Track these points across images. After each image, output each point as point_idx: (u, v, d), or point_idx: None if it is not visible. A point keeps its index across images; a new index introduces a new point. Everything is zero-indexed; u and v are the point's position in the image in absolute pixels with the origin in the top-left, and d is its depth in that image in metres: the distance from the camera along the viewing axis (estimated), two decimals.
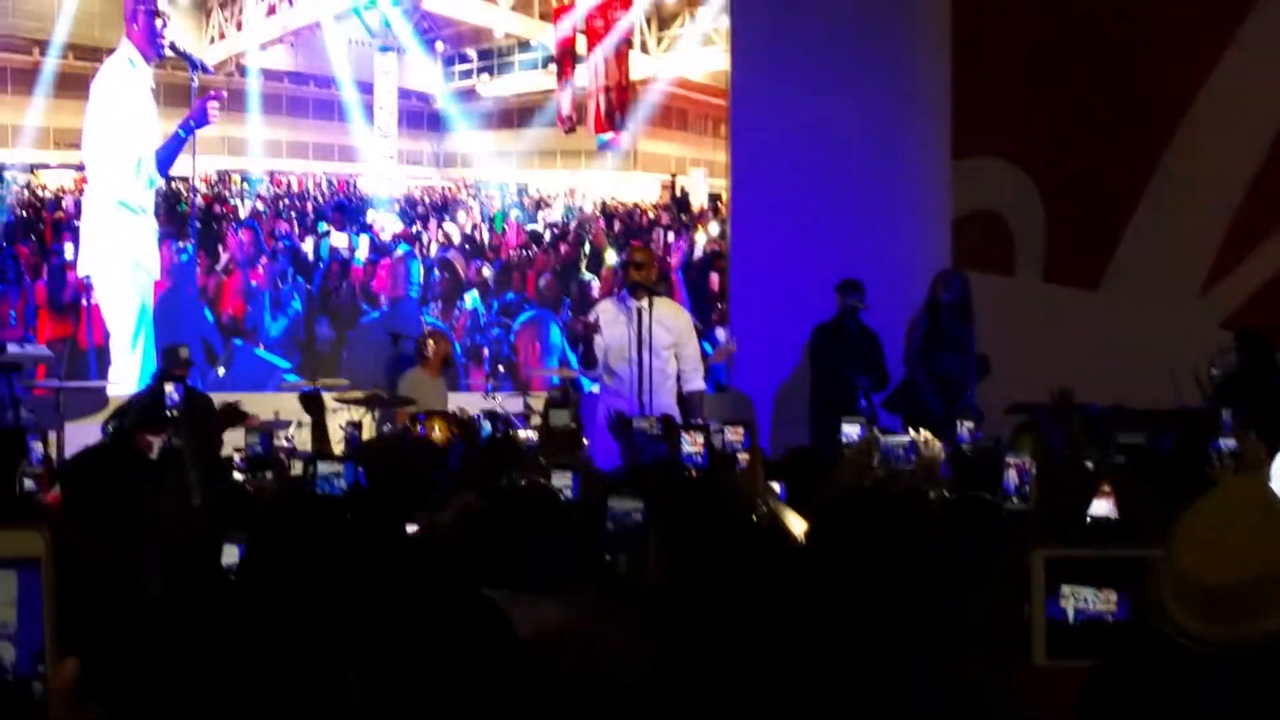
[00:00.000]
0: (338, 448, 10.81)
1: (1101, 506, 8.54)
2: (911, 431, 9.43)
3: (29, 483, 7.76)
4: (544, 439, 9.75)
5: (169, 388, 10.76)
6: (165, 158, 14.52)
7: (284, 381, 14.26)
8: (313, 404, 9.14)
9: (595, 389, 12.89)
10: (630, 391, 11.47)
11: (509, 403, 13.28)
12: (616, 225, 16.22)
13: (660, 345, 11.65)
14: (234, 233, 15.11)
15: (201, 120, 14.58)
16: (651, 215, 16.33)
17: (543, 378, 14.69)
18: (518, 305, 15.72)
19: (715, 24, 16.33)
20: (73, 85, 14.48)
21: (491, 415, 11.70)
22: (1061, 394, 12.55)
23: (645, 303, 11.51)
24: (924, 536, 5.80)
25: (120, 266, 14.27)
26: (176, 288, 14.63)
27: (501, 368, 15.19)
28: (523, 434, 10.51)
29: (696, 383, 12.02)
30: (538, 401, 13.16)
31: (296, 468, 9.82)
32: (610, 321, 11.80)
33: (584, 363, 12.21)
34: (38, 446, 8.46)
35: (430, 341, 13.49)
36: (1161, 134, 16.32)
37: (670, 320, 11.88)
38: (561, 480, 7.70)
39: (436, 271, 15.59)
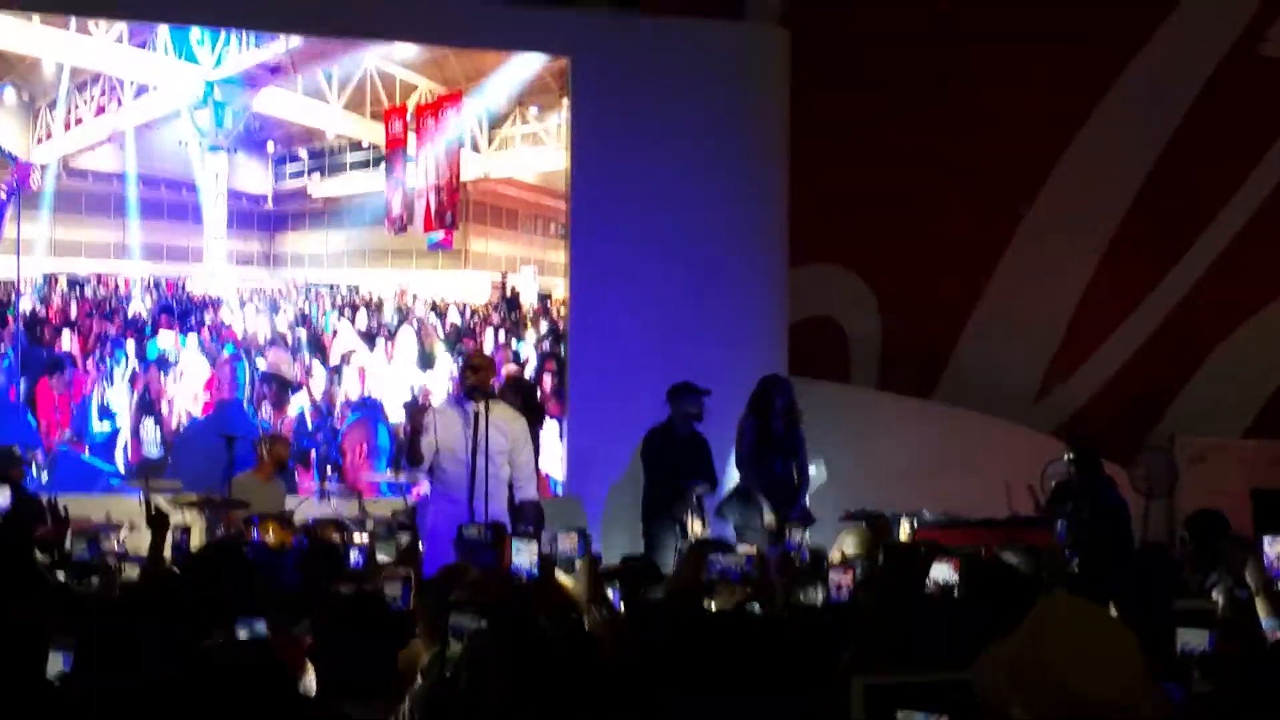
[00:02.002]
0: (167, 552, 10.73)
1: (942, 571, 8.67)
2: (743, 545, 9.52)
3: None
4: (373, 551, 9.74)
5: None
6: None
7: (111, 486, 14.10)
8: (158, 524, 8.99)
9: (421, 488, 12.87)
10: (463, 495, 11.43)
11: (342, 506, 13.23)
12: (447, 324, 16.21)
13: (495, 450, 11.63)
14: (59, 336, 14.94)
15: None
16: (482, 314, 16.33)
17: (372, 482, 14.59)
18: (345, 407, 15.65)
19: (545, 124, 16.43)
20: None
21: (333, 523, 11.67)
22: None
23: (482, 406, 11.51)
24: (745, 652, 5.87)
25: None
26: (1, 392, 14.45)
27: (330, 469, 15.12)
28: (357, 538, 10.49)
29: (530, 491, 11.97)
30: (372, 506, 13.12)
31: (127, 571, 9.73)
32: (446, 424, 11.77)
33: (409, 460, 12.14)
34: None
35: (266, 445, 13.40)
36: (996, 243, 16.60)
37: (506, 425, 11.85)
38: (392, 590, 7.71)
39: (262, 386, 15.45)
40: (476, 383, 11.70)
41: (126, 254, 15.49)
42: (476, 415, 11.47)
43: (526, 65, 16.19)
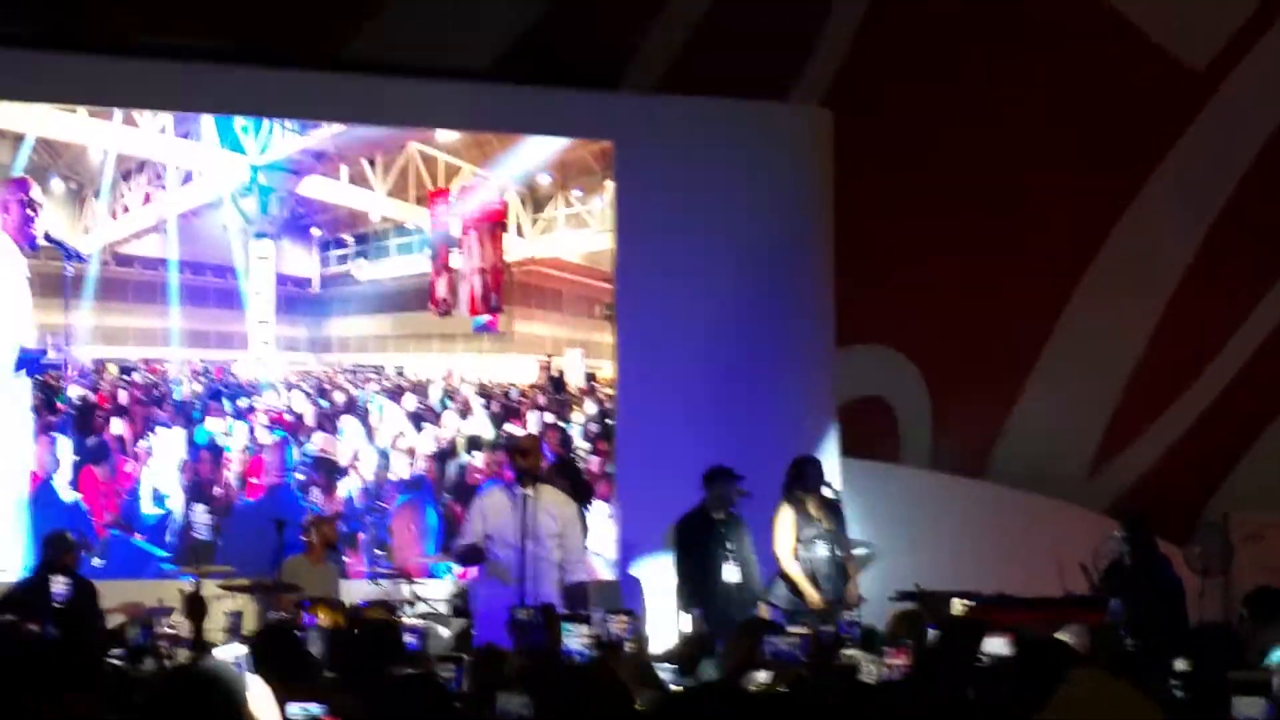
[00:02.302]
0: (219, 635, 10.72)
1: (996, 644, 8.63)
2: (794, 626, 9.47)
3: None
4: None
5: (57, 581, 10.70)
6: None
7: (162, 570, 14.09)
8: (195, 607, 8.97)
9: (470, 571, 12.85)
10: (513, 578, 11.41)
11: (394, 590, 13.21)
12: (494, 406, 16.20)
13: (545, 533, 11.62)
14: (108, 423, 14.97)
15: None
16: (529, 396, 16.33)
17: (421, 563, 14.51)
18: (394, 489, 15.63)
19: (589, 206, 16.46)
20: None
21: (383, 605, 11.67)
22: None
23: (531, 490, 11.51)
24: None
25: None
26: (50, 478, 14.46)
27: (379, 551, 15.09)
28: (407, 619, 10.49)
29: (579, 573, 11.96)
30: (421, 588, 13.12)
31: (180, 656, 9.72)
32: (495, 508, 11.76)
33: (463, 560, 12.15)
34: None
35: (314, 528, 13.38)
36: (1045, 321, 16.52)
37: (556, 509, 11.85)
38: (446, 672, 7.71)
39: (310, 470, 15.45)
40: (525, 467, 11.69)
41: (173, 340, 15.54)
42: (526, 499, 11.47)
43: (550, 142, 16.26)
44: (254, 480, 15.23)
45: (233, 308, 15.73)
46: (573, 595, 11.75)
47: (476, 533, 11.88)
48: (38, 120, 14.87)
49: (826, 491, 13.48)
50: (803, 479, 13.43)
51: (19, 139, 14.83)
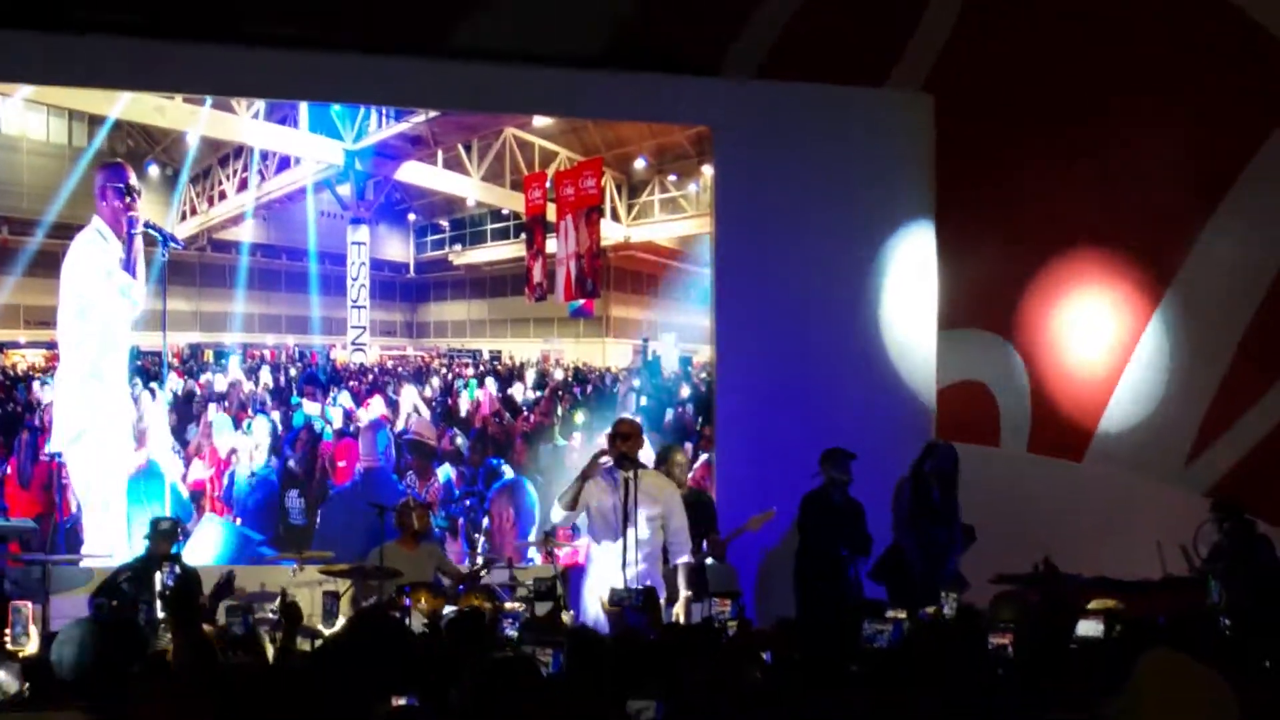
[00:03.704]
0: (315, 620, 10.76)
1: (1089, 626, 8.61)
2: (892, 611, 9.45)
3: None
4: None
5: (164, 568, 10.76)
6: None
7: (263, 556, 14.14)
8: (292, 615, 9.03)
9: (576, 549, 12.84)
10: (615, 562, 11.39)
11: (494, 575, 13.20)
12: (589, 390, 16.20)
13: (646, 516, 11.59)
14: (205, 407, 15.05)
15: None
16: (623, 379, 16.31)
17: (521, 551, 14.48)
18: (491, 473, 15.63)
19: (684, 191, 16.42)
20: (43, 264, 14.45)
21: (483, 590, 11.70)
22: (1045, 564, 12.61)
23: (632, 474, 11.49)
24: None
25: (92, 441, 14.17)
26: (152, 461, 14.53)
27: (479, 536, 15.10)
28: (509, 606, 10.47)
29: (684, 556, 11.92)
30: (521, 573, 13.09)
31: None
32: (598, 491, 11.74)
33: (560, 500, 12.07)
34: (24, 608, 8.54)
35: (409, 513, 13.36)
36: (1146, 305, 16.36)
37: (657, 491, 11.82)
38: (544, 656, 7.71)
39: (406, 454, 15.48)
40: (626, 450, 11.66)
41: (270, 325, 15.60)
42: (626, 482, 11.44)
43: None
44: (341, 464, 15.24)
45: (329, 293, 15.78)
46: (679, 578, 11.71)
47: (579, 495, 11.81)
48: (136, 107, 14.93)
49: (941, 478, 13.44)
50: (921, 462, 13.42)
51: (115, 125, 14.92)
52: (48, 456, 14.20)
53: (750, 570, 14.42)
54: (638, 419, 14.27)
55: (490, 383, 16.13)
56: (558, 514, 11.98)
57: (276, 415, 15.27)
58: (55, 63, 14.02)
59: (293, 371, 15.58)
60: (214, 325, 15.43)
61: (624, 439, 11.81)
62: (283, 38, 14.49)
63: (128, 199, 14.40)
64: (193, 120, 15.25)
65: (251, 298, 15.56)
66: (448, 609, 11.10)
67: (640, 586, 10.80)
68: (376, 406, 15.44)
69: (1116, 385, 16.56)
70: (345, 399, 15.54)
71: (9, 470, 14.15)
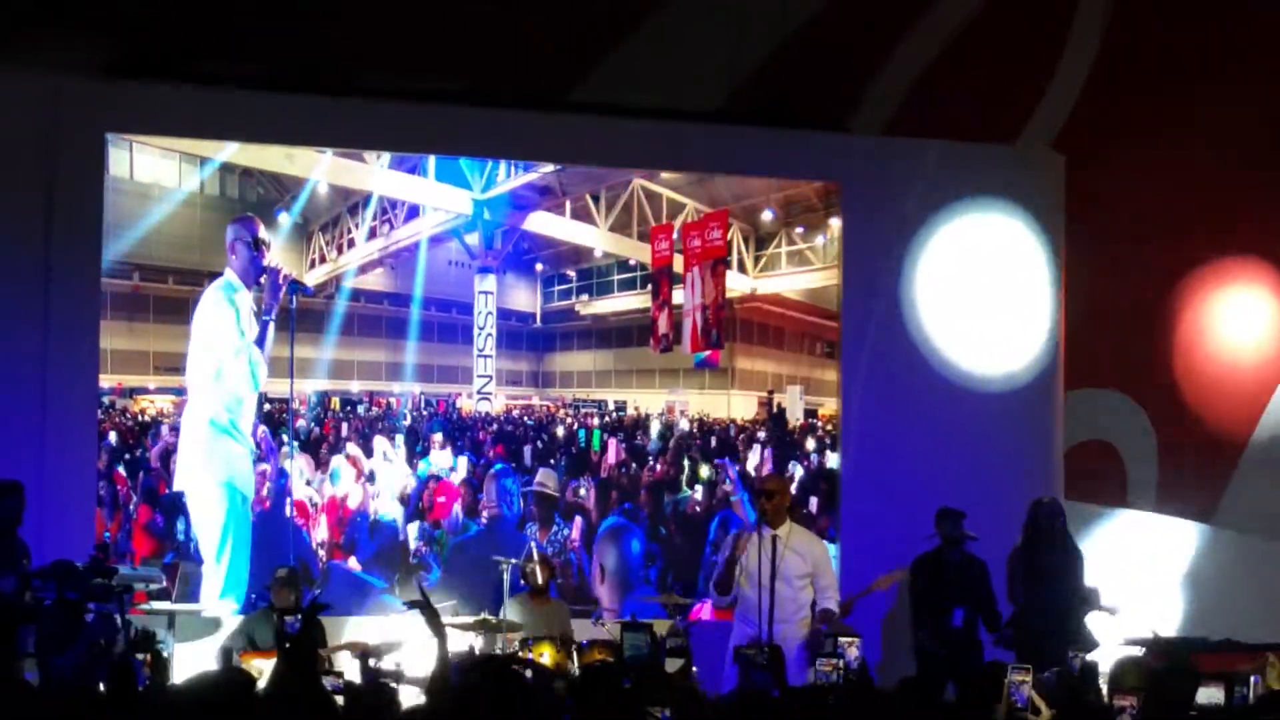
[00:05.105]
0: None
1: (1210, 694, 8.53)
2: (1019, 673, 9.37)
3: None
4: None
5: (288, 619, 10.80)
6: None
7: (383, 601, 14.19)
8: (430, 617, 8.87)
9: (701, 612, 12.85)
10: (760, 619, 11.35)
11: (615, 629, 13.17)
12: (713, 442, 16.17)
13: (794, 574, 11.58)
14: (333, 454, 15.13)
15: (274, 295, 14.52)
16: (749, 431, 16.28)
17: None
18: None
19: (811, 243, 16.39)
20: (173, 310, 14.60)
21: (605, 644, 11.68)
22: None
23: (782, 531, 11.49)
24: None
25: (212, 486, 14.27)
26: (274, 508, 14.62)
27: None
28: None
29: (830, 604, 11.85)
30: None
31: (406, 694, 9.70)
32: (748, 548, 11.72)
33: (717, 587, 12.06)
34: (146, 672, 8.56)
35: (536, 566, 13.35)
36: (1273, 363, 16.15)
37: (806, 549, 11.80)
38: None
39: (529, 504, 15.45)
40: (771, 508, 11.66)
41: (398, 374, 15.68)
42: (775, 540, 11.42)
43: None
44: (440, 500, 15.23)
45: (456, 341, 15.85)
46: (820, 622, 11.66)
47: (739, 570, 11.85)
48: (266, 154, 15.06)
49: (1047, 537, 13.32)
50: (1036, 520, 13.32)
51: (245, 172, 15.07)
52: (169, 498, 14.32)
53: (874, 628, 14.33)
54: (787, 477, 14.27)
55: (614, 434, 16.13)
56: (716, 599, 12.03)
57: (402, 464, 15.31)
58: (184, 114, 14.22)
59: (419, 419, 15.63)
60: (341, 372, 15.53)
61: (769, 496, 11.79)
62: (403, 90, 14.61)
63: (256, 251, 14.50)
64: (323, 168, 15.35)
65: (379, 345, 15.65)
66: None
67: (767, 644, 10.77)
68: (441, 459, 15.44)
69: (1246, 445, 16.37)
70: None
71: (137, 516, 14.28)
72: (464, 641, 11.90)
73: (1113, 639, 12.75)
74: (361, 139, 15.01)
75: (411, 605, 9.12)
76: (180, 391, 14.49)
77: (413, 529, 14.99)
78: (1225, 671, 9.72)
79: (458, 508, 15.23)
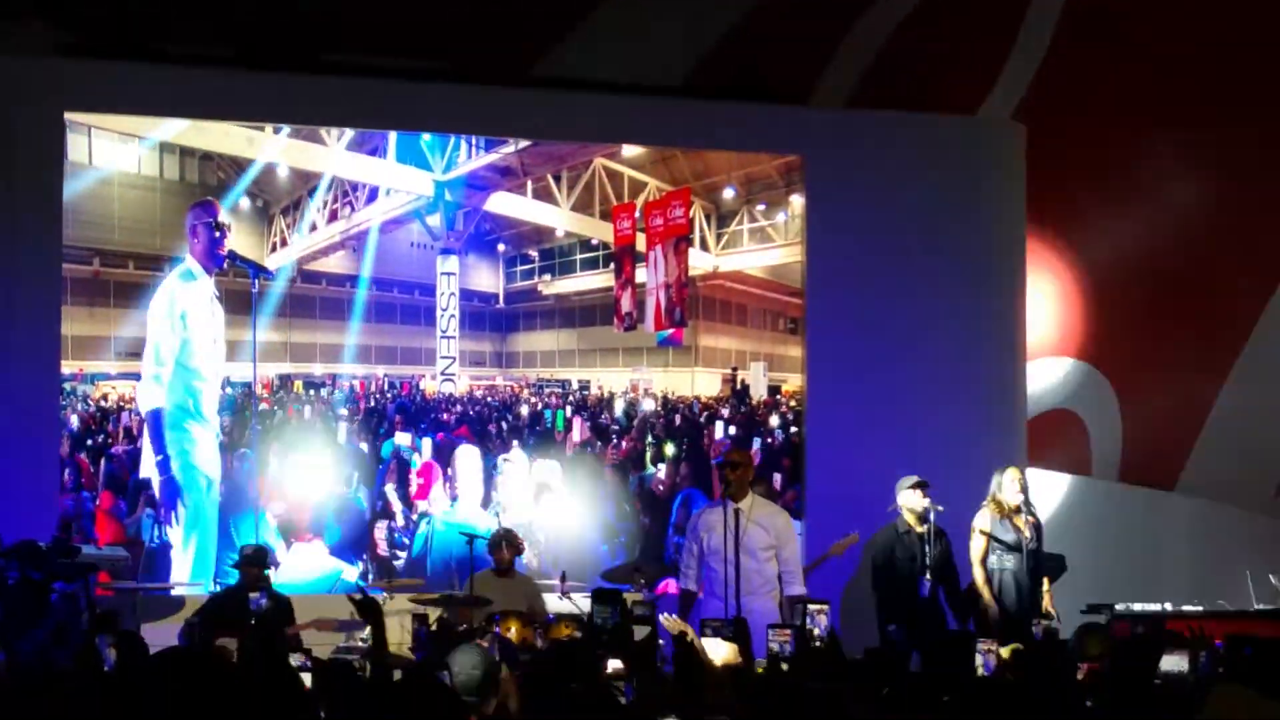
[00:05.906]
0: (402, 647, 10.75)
1: (1173, 660, 8.54)
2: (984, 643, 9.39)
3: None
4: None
5: (254, 595, 10.75)
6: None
7: (358, 586, 14.15)
8: (370, 610, 8.80)
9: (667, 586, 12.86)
10: (729, 593, 11.34)
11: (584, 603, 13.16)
12: (677, 419, 16.16)
13: (758, 546, 11.58)
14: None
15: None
16: (713, 409, 16.27)
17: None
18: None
19: (773, 220, 16.38)
20: (133, 295, 14.54)
21: (572, 618, 11.64)
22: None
23: (745, 504, 11.47)
24: None
25: (176, 470, 14.21)
26: (237, 492, 14.57)
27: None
28: None
29: (796, 587, 11.86)
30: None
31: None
32: (709, 525, 11.71)
33: (683, 583, 12.12)
34: (110, 653, 8.50)
35: (501, 542, 13.37)
36: (1238, 333, 16.20)
37: (769, 521, 11.79)
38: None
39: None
40: (736, 480, 11.64)
41: (360, 356, 15.63)
42: (737, 512, 11.41)
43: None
44: (419, 481, 15.21)
45: (418, 323, 15.81)
46: (790, 610, 11.63)
47: (694, 553, 11.87)
48: (227, 140, 15.01)
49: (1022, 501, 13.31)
50: (1004, 488, 13.30)
51: (206, 157, 15.02)
52: (133, 484, 14.27)
53: (834, 597, 14.32)
54: (751, 449, 14.25)
55: (578, 414, 16.11)
56: (687, 583, 12.04)
57: (364, 445, 15.29)
58: (144, 93, 14.20)
59: (383, 402, 15.60)
60: (302, 355, 15.48)
61: (734, 468, 11.78)
62: (366, 67, 14.57)
63: (217, 234, 14.46)
64: (283, 150, 15.29)
65: (340, 328, 15.59)
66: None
67: (730, 617, 10.75)
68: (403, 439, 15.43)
69: (1209, 414, 16.43)
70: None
71: (100, 501, 14.23)
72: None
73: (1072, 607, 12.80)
74: (323, 115, 14.99)
75: (355, 602, 9.13)
76: (140, 377, 14.42)
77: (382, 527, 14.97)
78: (1188, 638, 9.73)
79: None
